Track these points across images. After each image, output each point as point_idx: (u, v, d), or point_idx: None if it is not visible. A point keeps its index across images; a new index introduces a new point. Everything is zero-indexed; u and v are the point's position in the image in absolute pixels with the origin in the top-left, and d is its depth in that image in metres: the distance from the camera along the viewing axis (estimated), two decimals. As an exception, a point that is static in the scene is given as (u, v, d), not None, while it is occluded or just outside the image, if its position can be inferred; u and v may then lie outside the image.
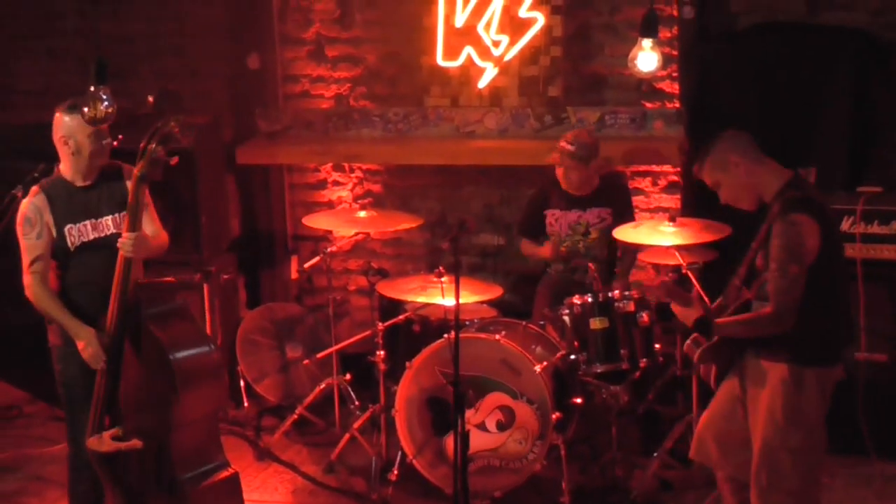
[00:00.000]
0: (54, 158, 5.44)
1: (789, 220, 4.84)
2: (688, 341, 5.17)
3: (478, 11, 7.45)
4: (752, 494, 5.10)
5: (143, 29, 8.03)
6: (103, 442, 5.29)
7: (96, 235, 5.43)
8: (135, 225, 5.28)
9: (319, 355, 7.15)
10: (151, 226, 5.50)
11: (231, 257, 7.75)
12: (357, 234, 7.21)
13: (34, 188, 5.39)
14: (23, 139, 7.51)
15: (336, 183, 8.11)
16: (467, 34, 7.48)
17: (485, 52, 7.46)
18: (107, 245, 5.39)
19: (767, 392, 5.00)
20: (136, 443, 5.28)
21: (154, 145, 5.22)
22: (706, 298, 5.99)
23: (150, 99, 7.01)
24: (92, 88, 5.16)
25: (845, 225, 6.42)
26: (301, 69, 8.00)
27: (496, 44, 7.44)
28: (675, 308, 5.15)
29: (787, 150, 6.82)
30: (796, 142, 6.98)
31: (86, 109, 5.18)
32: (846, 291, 5.16)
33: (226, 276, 7.48)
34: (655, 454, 6.27)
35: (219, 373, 5.57)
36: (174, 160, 5.27)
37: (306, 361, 7.30)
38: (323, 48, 7.93)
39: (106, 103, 5.17)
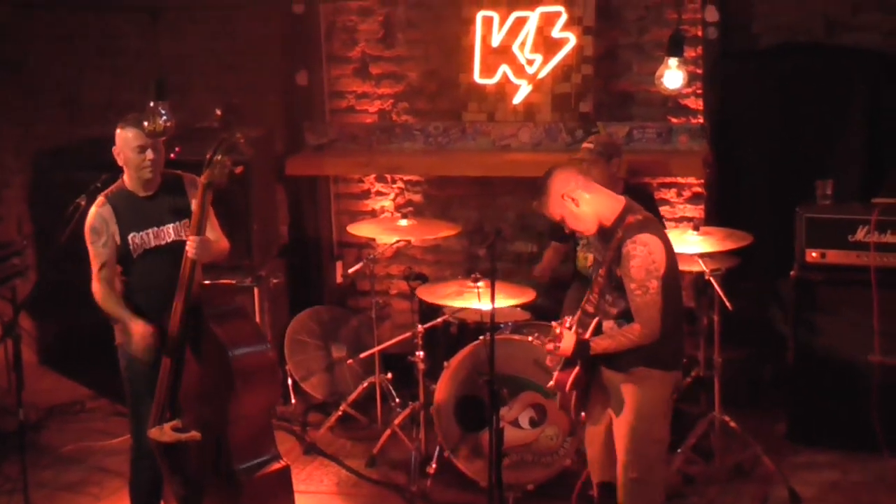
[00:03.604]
0: (117, 169, 5.57)
1: (639, 242, 5.00)
2: (550, 383, 5.34)
3: (513, 32, 7.54)
4: (621, 493, 5.26)
5: (200, 48, 8.10)
6: (164, 433, 5.42)
7: (158, 243, 5.54)
8: (200, 229, 5.36)
9: (362, 355, 7.21)
10: (213, 232, 5.57)
11: (280, 262, 7.84)
12: (398, 241, 7.27)
13: (100, 199, 5.52)
14: (87, 151, 7.59)
15: (379, 193, 8.20)
16: (503, 53, 7.58)
17: (519, 71, 7.57)
18: (168, 252, 5.51)
19: (630, 394, 5.16)
20: (194, 434, 5.39)
21: (220, 156, 5.31)
22: (728, 303, 6.26)
23: (218, 112, 7.07)
24: (152, 104, 5.36)
25: (860, 234, 6.51)
26: (347, 86, 8.10)
27: (530, 62, 7.54)
28: (555, 350, 5.25)
29: (806, 163, 7.04)
30: (814, 156, 7.11)
31: (146, 123, 5.35)
32: (681, 302, 5.28)
33: (275, 280, 7.57)
34: (679, 450, 6.31)
35: (274, 370, 5.65)
36: (239, 169, 5.44)
37: (350, 361, 7.39)
38: (367, 66, 8.03)
39: (164, 118, 5.35)
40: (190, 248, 5.37)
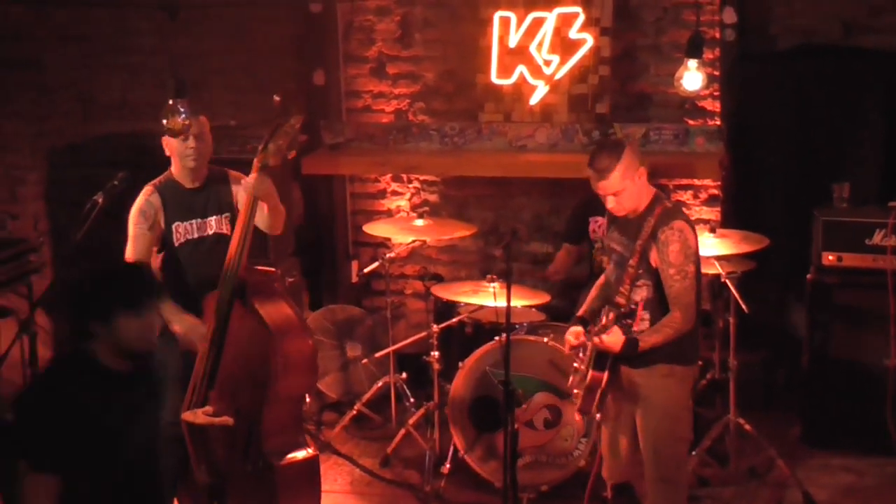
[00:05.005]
0: (133, 167, 5.68)
1: (676, 227, 5.06)
2: (580, 380, 5.26)
3: (530, 32, 7.50)
4: (650, 493, 5.27)
5: (216, 47, 8.07)
6: (197, 416, 5.45)
7: (200, 234, 5.69)
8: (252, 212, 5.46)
9: (377, 355, 7.27)
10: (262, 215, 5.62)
11: (296, 261, 7.81)
12: (414, 241, 7.28)
13: (148, 187, 5.66)
14: (102, 149, 7.79)
15: (395, 193, 8.19)
16: (520, 54, 7.54)
17: (536, 71, 7.53)
18: (209, 243, 5.68)
19: (655, 392, 5.17)
20: (227, 419, 5.40)
21: (275, 140, 5.41)
22: (744, 305, 6.26)
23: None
24: (170, 102, 5.45)
25: (877, 237, 6.51)
26: (363, 85, 8.09)
27: (547, 63, 7.50)
28: (603, 344, 5.13)
29: (822, 166, 7.05)
30: (831, 158, 7.10)
31: (164, 121, 5.49)
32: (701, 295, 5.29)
33: (291, 279, 7.54)
34: (694, 452, 6.29)
35: (313, 357, 5.67)
36: (293, 154, 5.50)
37: (365, 360, 7.43)
38: (384, 66, 8.02)
39: (183, 115, 5.49)
40: (249, 181, 5.41)
